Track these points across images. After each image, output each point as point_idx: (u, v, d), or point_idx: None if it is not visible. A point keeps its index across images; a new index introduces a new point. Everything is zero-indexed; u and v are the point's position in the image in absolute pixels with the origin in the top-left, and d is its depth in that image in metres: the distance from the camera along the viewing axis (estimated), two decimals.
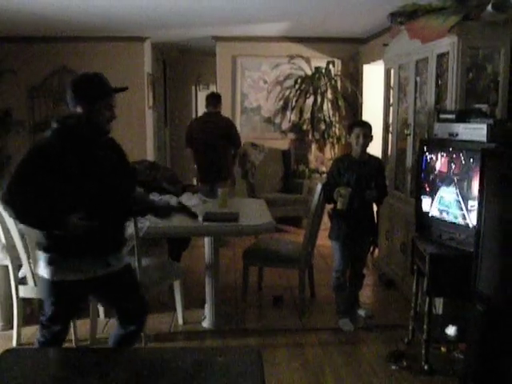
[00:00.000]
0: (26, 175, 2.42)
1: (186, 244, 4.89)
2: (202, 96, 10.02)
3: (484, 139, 3.08)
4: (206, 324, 4.04)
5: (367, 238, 4.17)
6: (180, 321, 4.09)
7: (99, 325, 3.93)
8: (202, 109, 10.03)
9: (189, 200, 4.39)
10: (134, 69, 7.50)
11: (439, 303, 3.80)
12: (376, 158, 4.17)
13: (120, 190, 2.71)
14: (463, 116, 3.38)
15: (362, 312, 4.25)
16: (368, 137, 3.92)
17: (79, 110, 2.55)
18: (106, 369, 2.13)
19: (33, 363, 2.21)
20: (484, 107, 3.61)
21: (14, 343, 3.64)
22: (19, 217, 2.50)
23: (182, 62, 9.68)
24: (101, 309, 4.07)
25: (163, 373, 2.05)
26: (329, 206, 4.35)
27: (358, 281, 4.23)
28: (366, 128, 3.94)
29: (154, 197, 4.36)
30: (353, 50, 7.64)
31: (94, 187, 2.54)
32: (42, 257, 2.62)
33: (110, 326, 4.03)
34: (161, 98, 9.17)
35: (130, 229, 3.42)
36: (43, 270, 2.62)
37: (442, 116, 3.56)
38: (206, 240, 3.95)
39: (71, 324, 3.57)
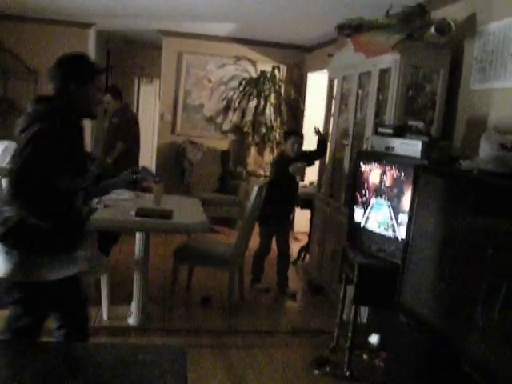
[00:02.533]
0: (36, 168, 2.23)
1: (116, 238, 4.79)
2: (144, 89, 9.88)
3: (418, 155, 3.18)
4: (131, 321, 3.96)
5: (287, 219, 5.08)
6: (105, 316, 3.99)
7: None
8: (144, 101, 9.91)
9: (122, 194, 4.31)
10: None
11: (364, 312, 3.89)
12: (303, 152, 4.92)
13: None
14: (400, 131, 3.48)
15: (288, 291, 4.90)
16: (301, 144, 4.80)
17: (71, 88, 2.35)
18: (22, 362, 2.05)
19: None
20: (420, 124, 3.72)
21: None
22: (33, 210, 2.26)
23: (126, 53, 9.49)
24: None
25: (83, 368, 2.00)
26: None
27: (287, 258, 5.03)
28: (300, 137, 4.84)
29: None
30: (298, 58, 7.74)
31: (83, 170, 2.44)
32: (5, 253, 2.34)
33: None
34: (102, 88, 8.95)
35: None
36: (9, 270, 2.35)
37: (380, 130, 3.65)
38: (138, 235, 3.88)
39: None
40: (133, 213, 3.69)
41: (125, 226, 3.86)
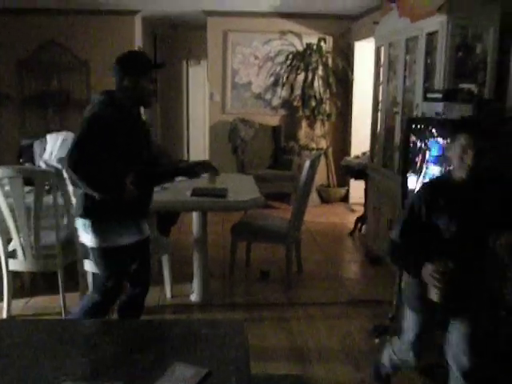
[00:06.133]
0: (87, 145, 2.64)
1: (175, 219, 4.92)
2: (192, 71, 9.97)
3: None
4: (194, 298, 4.09)
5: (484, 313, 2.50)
6: (168, 295, 4.14)
7: None
8: (193, 83, 10.00)
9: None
10: (125, 43, 7.40)
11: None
12: (501, 179, 2.31)
13: (147, 158, 2.94)
14: (450, 95, 3.41)
15: None
16: (484, 153, 2.12)
17: (126, 83, 2.75)
18: (95, 340, 2.18)
19: (23, 334, 2.25)
20: (472, 87, 3.64)
21: (5, 315, 3.69)
22: (86, 184, 2.67)
23: (172, 37, 9.58)
24: None
25: (150, 344, 2.10)
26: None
27: None
28: (481, 137, 2.13)
29: None
30: (344, 27, 7.62)
31: (136, 155, 2.82)
32: (84, 224, 2.80)
33: None
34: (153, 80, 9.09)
35: None
36: (89, 239, 2.81)
37: (430, 95, 3.59)
38: (195, 215, 3.98)
39: (60, 295, 3.64)
40: (189, 193, 3.79)
41: (182, 207, 3.97)
